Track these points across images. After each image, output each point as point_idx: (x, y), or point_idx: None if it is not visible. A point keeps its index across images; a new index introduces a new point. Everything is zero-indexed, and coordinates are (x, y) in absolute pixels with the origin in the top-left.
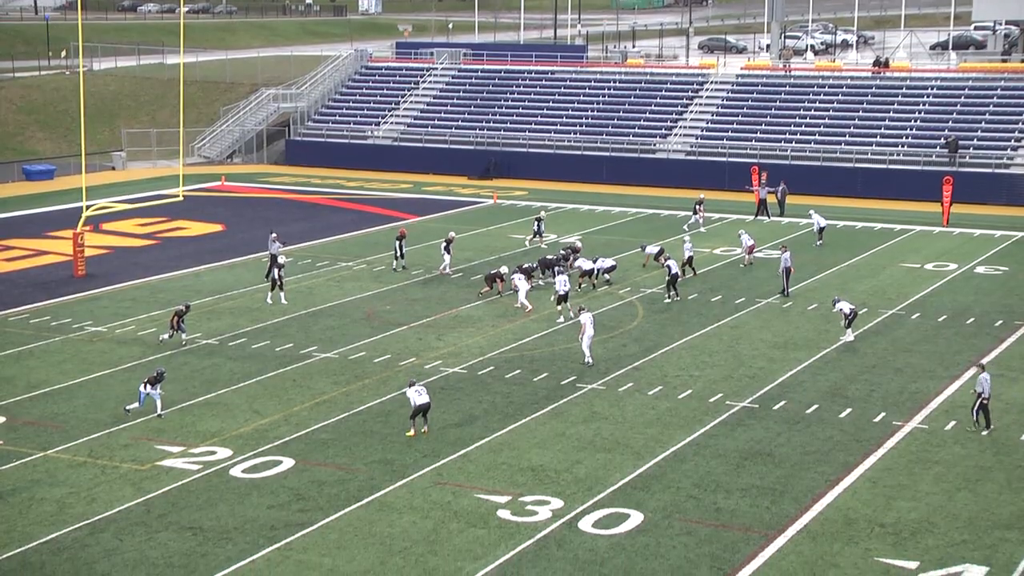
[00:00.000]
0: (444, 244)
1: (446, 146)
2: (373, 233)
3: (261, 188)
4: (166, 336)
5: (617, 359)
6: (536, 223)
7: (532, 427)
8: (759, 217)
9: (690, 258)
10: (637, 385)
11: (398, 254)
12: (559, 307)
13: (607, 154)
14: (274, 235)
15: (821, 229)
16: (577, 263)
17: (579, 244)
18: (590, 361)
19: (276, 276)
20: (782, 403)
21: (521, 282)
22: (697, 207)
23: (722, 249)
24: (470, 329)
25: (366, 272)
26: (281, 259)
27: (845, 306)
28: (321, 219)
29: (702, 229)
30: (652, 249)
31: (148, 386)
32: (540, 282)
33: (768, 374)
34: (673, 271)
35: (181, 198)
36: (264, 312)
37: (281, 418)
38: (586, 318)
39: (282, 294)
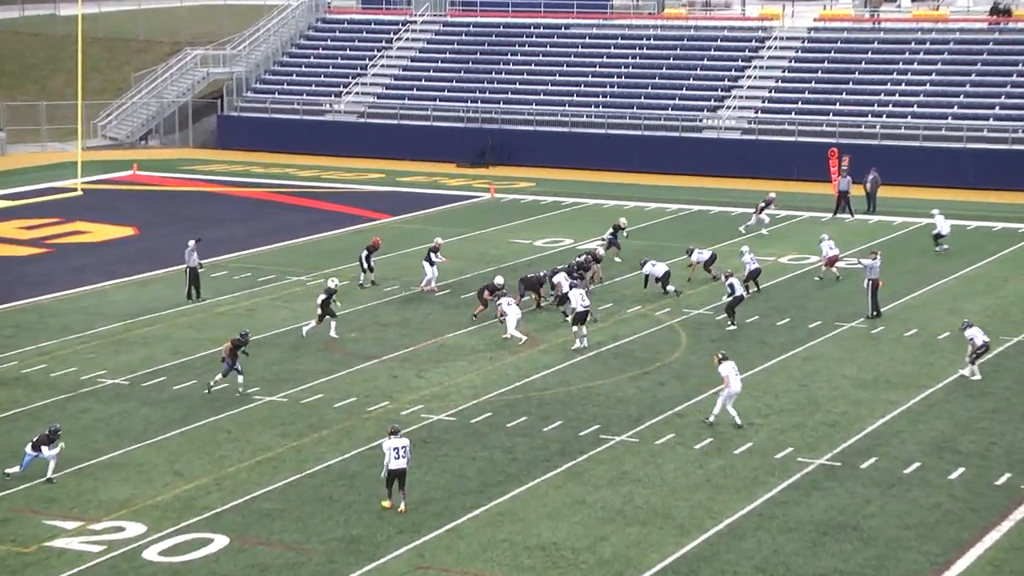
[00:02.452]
0: (428, 253)
1: (428, 124)
2: (333, 239)
3: (185, 179)
4: (219, 377)
5: (653, 402)
6: (612, 232)
7: (542, 492)
8: (840, 215)
9: (755, 271)
10: (680, 437)
11: (365, 266)
12: (574, 329)
13: (638, 133)
14: (193, 242)
15: (940, 235)
16: (557, 278)
17: (601, 251)
18: (712, 420)
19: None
20: (872, 460)
21: (511, 308)
22: (763, 205)
23: (790, 257)
24: (461, 363)
25: (321, 288)
26: (195, 263)
27: (978, 335)
28: (265, 220)
29: (764, 231)
30: (701, 256)
31: (36, 448)
32: (549, 301)
33: (853, 421)
34: (737, 292)
35: (80, 192)
36: (187, 343)
37: (211, 482)
38: (728, 369)
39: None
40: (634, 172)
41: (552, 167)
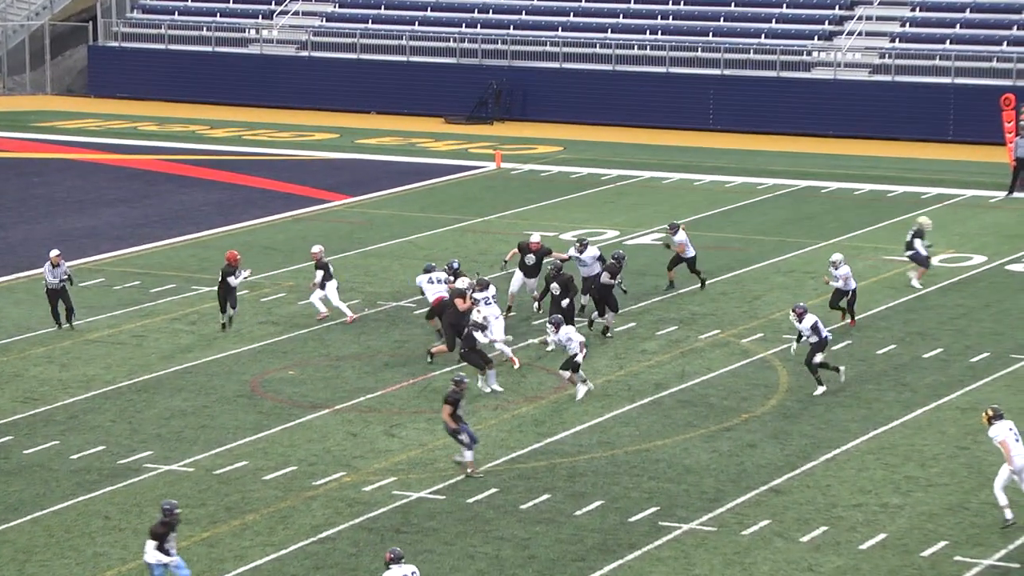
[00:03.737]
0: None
1: (402, 59)
2: (262, 229)
3: (41, 142)
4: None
5: (740, 473)
6: (913, 235)
7: None
8: (1016, 193)
9: (842, 293)
10: (779, 524)
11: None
12: (565, 375)
13: (715, 73)
14: (56, 253)
15: (918, 256)
16: (483, 296)
17: (622, 251)
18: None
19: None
20: None
21: (490, 308)
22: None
23: (944, 256)
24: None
25: (248, 303)
26: (58, 279)
27: None
28: (160, 202)
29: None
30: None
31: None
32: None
33: None
34: (822, 334)
35: None
36: (46, 385)
37: None
38: (1004, 432)
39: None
40: (709, 130)
41: (587, 123)
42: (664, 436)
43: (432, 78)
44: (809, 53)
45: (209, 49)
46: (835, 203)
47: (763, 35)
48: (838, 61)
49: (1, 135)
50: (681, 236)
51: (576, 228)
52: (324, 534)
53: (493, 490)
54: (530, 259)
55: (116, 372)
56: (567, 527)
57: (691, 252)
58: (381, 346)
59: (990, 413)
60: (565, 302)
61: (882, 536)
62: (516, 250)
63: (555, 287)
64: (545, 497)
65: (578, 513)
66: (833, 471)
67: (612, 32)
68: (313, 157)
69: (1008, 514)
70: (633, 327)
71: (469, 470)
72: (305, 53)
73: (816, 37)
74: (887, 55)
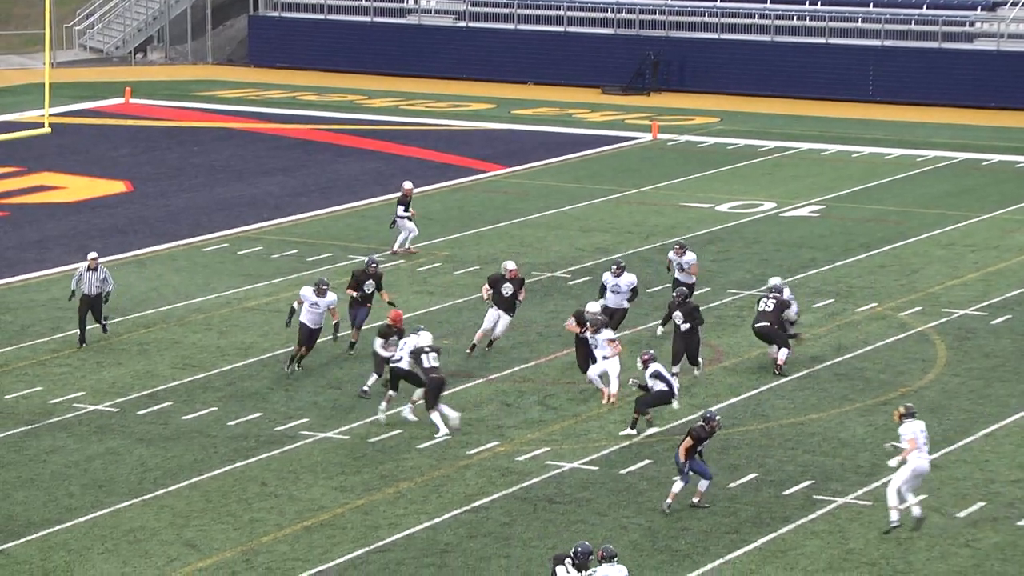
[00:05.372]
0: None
1: (560, 29)
2: (419, 200)
3: (200, 111)
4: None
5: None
6: None
7: None
8: None
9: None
10: (936, 498)
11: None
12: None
13: (875, 44)
14: (93, 255)
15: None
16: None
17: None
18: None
19: None
20: None
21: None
22: None
23: None
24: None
25: (404, 272)
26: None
27: None
28: (318, 171)
29: None
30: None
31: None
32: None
33: None
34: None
35: (48, 129)
36: (203, 352)
37: (239, 557)
38: (914, 431)
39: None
40: (868, 102)
41: (744, 94)
42: (819, 409)
43: (589, 48)
44: (972, 23)
45: (367, 19)
46: (996, 175)
47: (925, 5)
48: (1001, 32)
49: (163, 104)
50: (690, 256)
51: (733, 199)
52: (477, 503)
53: (646, 461)
54: (507, 289)
55: (273, 340)
56: (720, 499)
57: (693, 279)
58: (535, 317)
59: (902, 411)
60: (686, 326)
61: None
62: (487, 285)
63: (678, 315)
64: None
65: (731, 486)
66: (991, 446)
67: (771, 2)
68: (469, 127)
69: (894, 516)
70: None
71: (695, 499)
72: (463, 23)
73: (979, 7)
74: None
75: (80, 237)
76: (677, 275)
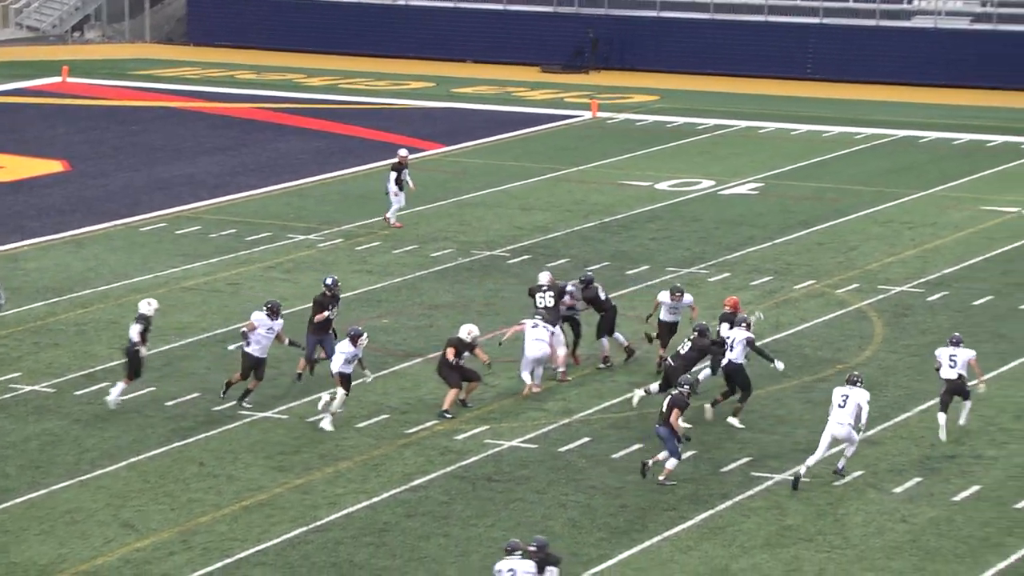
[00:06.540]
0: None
1: (498, 7)
2: (356, 178)
3: (139, 90)
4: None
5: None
6: None
7: (665, 556)
8: None
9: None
10: (872, 475)
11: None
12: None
13: (814, 22)
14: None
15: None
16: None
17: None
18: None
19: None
20: None
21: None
22: None
23: None
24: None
25: (343, 252)
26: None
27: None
28: (257, 150)
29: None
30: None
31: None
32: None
33: None
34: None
35: None
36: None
37: (176, 538)
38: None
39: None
40: (807, 79)
41: (684, 72)
42: (757, 387)
43: (528, 26)
44: (909, 1)
45: None
46: (933, 153)
47: None
48: (938, 10)
49: (100, 83)
50: (689, 298)
51: (672, 177)
52: (416, 482)
53: (585, 439)
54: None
55: (212, 320)
56: (658, 476)
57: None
58: (475, 295)
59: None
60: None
61: (976, 488)
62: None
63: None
64: (636, 447)
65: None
66: (927, 422)
67: None
68: (409, 106)
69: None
70: (727, 277)
71: (661, 477)
72: (402, 1)
73: None
74: (988, 3)
75: (16, 217)
76: (664, 316)
